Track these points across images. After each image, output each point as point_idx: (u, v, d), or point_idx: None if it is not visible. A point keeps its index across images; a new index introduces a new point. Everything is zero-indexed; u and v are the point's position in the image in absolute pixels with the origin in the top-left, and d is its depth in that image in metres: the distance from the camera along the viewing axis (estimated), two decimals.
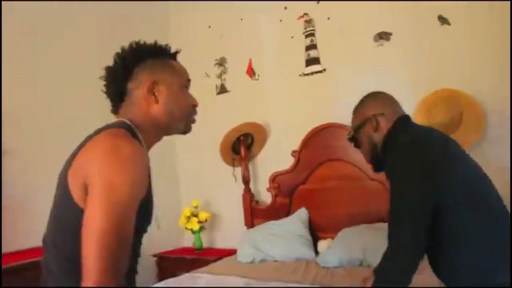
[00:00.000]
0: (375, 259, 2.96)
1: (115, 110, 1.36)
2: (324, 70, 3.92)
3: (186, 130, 1.43)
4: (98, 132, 1.23)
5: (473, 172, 1.75)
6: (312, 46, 3.97)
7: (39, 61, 3.49)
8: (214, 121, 4.46)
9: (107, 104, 1.39)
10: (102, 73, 1.39)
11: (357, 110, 1.97)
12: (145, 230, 1.31)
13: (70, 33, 3.71)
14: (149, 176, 1.25)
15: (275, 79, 4.19)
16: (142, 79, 1.33)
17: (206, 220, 4.27)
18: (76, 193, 1.15)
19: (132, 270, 1.28)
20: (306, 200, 3.84)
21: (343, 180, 3.66)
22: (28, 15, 3.35)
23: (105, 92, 1.37)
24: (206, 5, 4.57)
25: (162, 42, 4.77)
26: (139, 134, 1.29)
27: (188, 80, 1.45)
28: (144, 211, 1.21)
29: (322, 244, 3.55)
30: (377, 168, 1.95)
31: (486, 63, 3.19)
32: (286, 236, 3.58)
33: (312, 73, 3.98)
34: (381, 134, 1.85)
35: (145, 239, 3.92)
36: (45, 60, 3.53)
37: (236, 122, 4.08)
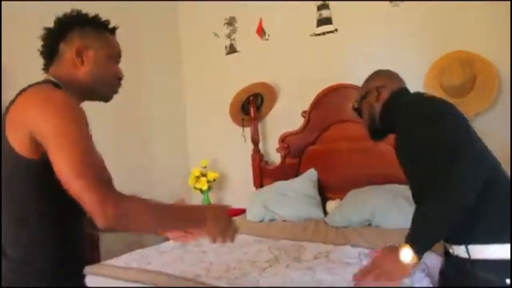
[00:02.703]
0: (383, 220, 3.03)
1: (46, 68, 1.45)
2: (336, 30, 3.87)
3: (107, 98, 1.51)
4: (25, 90, 1.29)
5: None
6: (324, 6, 3.91)
7: None
8: (224, 81, 4.45)
9: None
10: None
11: (363, 84, 2.03)
12: None
13: None
14: None
15: (286, 39, 4.14)
16: (74, 42, 1.41)
17: (214, 180, 4.30)
18: (18, 146, 1.22)
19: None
20: (315, 161, 3.86)
21: (352, 141, 3.65)
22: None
23: (40, 51, 1.45)
24: None
25: (170, 1, 4.70)
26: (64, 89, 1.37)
27: (119, 54, 1.53)
28: None
29: (330, 205, 3.58)
30: (373, 137, 2.00)
31: (504, 26, 3.13)
32: (295, 196, 3.61)
33: (323, 33, 3.92)
34: (381, 104, 1.90)
35: (154, 198, 3.94)
36: None
37: (245, 82, 4.07)
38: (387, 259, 1.55)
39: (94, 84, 1.43)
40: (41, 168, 1.21)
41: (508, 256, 1.52)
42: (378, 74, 2.01)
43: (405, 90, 1.94)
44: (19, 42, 3.23)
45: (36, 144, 1.20)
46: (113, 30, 1.52)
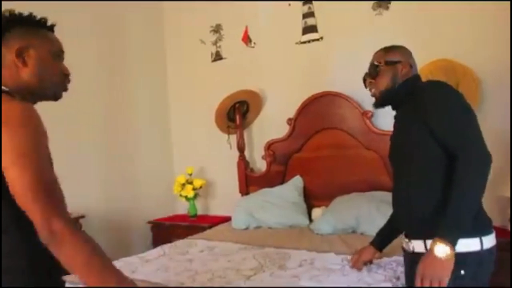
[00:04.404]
0: (368, 227, 3.04)
1: None
2: (321, 38, 3.89)
3: (56, 97, 1.48)
4: None
5: None
6: (309, 14, 3.93)
7: None
8: (209, 88, 4.45)
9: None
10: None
11: (393, 49, 2.04)
12: None
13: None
14: None
15: (271, 46, 4.16)
16: (13, 43, 1.37)
17: (200, 187, 4.29)
18: None
19: None
20: (301, 168, 3.87)
21: (338, 148, 3.68)
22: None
23: None
24: None
25: (156, 8, 4.72)
26: (16, 97, 1.34)
27: (61, 51, 1.49)
28: None
29: (316, 212, 3.59)
30: (378, 104, 2.04)
31: (485, 33, 3.18)
32: (280, 204, 3.62)
33: (309, 41, 3.95)
34: (400, 80, 1.95)
35: (139, 205, 3.97)
36: None
37: (231, 90, 4.07)
38: (426, 264, 1.62)
39: (40, 84, 1.40)
40: None
41: (462, 249, 1.63)
42: (409, 52, 2.03)
43: (419, 76, 2.00)
44: None
45: None
46: (51, 27, 1.48)
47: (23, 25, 1.41)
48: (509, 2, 3.04)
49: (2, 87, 1.33)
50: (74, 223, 1.23)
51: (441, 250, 1.58)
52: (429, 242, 1.72)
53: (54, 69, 1.44)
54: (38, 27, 1.44)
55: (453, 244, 1.59)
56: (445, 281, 1.58)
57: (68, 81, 1.50)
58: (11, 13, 1.41)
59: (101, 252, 1.24)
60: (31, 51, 1.38)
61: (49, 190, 1.20)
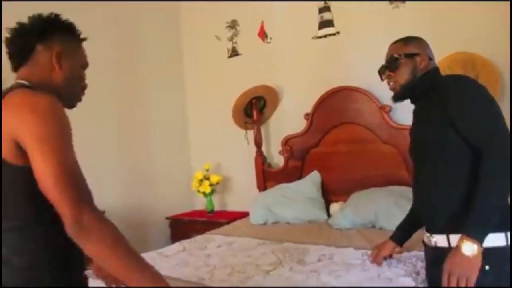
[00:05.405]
0: (387, 222, 3.02)
1: (16, 68, 1.44)
2: (338, 33, 3.87)
3: (72, 105, 1.51)
4: (5, 94, 1.29)
5: None
6: (325, 8, 3.91)
7: None
8: (226, 84, 4.46)
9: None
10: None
11: (411, 40, 1.99)
12: None
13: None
14: None
15: (288, 42, 4.15)
16: (54, 45, 1.41)
17: (217, 183, 4.30)
18: (7, 154, 1.22)
19: None
20: (318, 163, 3.85)
21: (355, 143, 3.66)
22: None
23: (8, 47, 1.43)
24: None
25: (172, 6, 4.72)
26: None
27: (87, 64, 1.55)
28: None
29: (334, 207, 3.58)
30: (398, 98, 1.99)
31: (504, 26, 3.13)
32: (298, 199, 3.61)
33: (325, 36, 3.93)
34: (420, 73, 1.91)
35: (157, 202, 3.98)
36: None
37: (248, 85, 4.07)
38: (454, 262, 1.61)
39: (65, 90, 1.43)
40: (33, 175, 1.20)
41: (488, 245, 1.60)
42: (427, 45, 1.99)
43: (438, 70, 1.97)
44: None
45: (23, 151, 1.21)
46: (83, 41, 1.54)
47: (66, 31, 1.46)
48: None
49: (23, 82, 1.35)
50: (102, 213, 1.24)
51: (469, 248, 1.57)
52: (452, 236, 1.70)
53: (79, 80, 1.50)
54: (77, 38, 1.50)
55: (480, 241, 1.57)
56: (473, 279, 1.57)
57: (83, 93, 1.55)
58: (59, 16, 1.46)
59: (128, 245, 1.25)
60: (69, 58, 1.43)
61: (76, 180, 1.20)
